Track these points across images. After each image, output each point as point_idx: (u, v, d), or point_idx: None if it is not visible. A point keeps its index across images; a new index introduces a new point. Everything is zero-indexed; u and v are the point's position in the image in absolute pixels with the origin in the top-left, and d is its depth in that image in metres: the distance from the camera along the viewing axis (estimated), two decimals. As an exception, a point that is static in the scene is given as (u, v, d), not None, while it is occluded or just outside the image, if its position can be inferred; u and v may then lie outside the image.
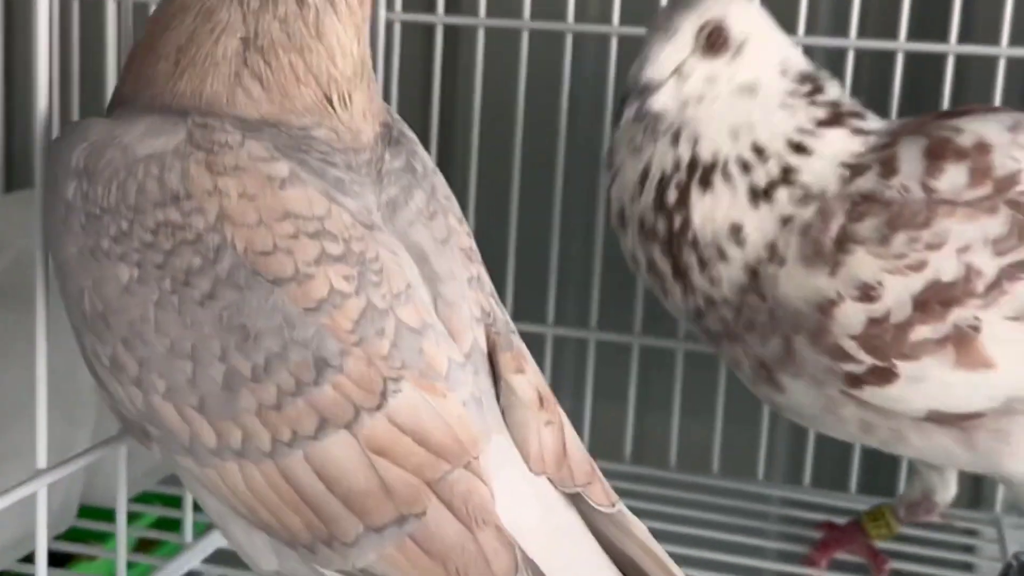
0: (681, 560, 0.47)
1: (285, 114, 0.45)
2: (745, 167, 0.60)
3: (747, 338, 0.62)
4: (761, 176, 0.60)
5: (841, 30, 0.79)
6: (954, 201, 0.58)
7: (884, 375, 0.58)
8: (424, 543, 0.42)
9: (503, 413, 0.46)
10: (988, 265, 0.57)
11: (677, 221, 0.61)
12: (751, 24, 0.61)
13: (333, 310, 0.42)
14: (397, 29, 0.82)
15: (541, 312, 0.84)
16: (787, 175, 0.60)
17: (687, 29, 0.60)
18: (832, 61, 0.82)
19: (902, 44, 0.77)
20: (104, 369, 0.44)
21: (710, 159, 0.60)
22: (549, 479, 0.46)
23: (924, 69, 0.82)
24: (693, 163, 0.61)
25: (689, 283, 0.62)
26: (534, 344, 0.73)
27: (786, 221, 0.60)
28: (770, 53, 0.62)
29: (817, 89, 0.62)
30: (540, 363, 0.80)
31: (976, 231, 0.57)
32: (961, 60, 0.78)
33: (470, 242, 0.49)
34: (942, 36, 0.77)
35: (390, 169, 0.47)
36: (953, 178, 0.58)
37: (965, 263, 0.57)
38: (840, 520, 0.75)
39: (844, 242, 0.58)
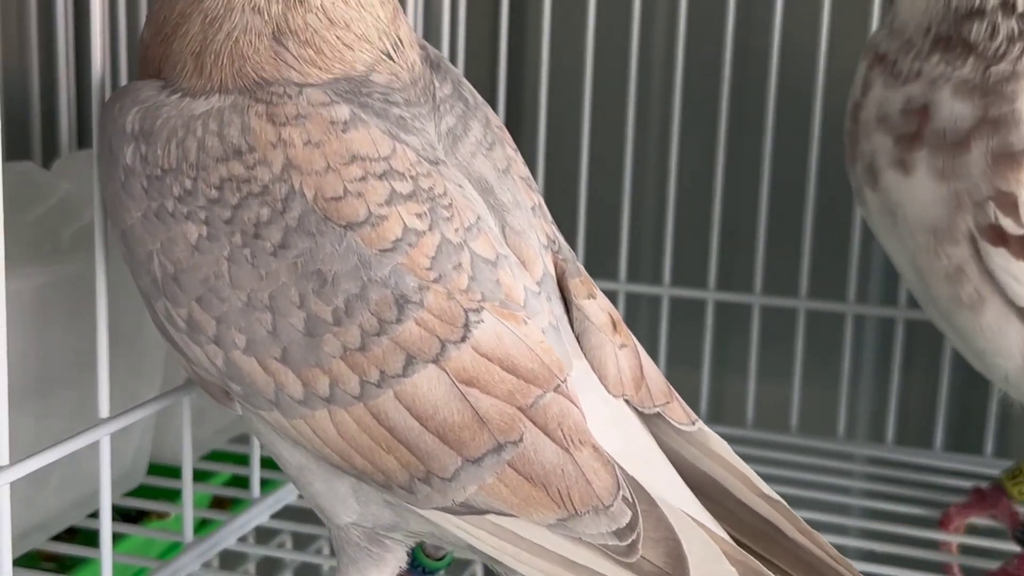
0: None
1: (345, 73, 0.44)
2: None
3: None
4: None
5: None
6: None
7: None
8: (524, 469, 0.41)
9: (578, 339, 0.45)
10: None
11: None
12: None
13: (409, 248, 0.41)
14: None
15: (614, 268, 0.83)
16: None
17: None
18: None
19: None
20: (179, 332, 0.43)
21: None
22: (628, 401, 0.45)
23: None
24: None
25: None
26: (606, 301, 0.72)
27: None
28: None
29: None
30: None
31: None
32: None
33: (527, 171, 0.49)
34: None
35: (443, 96, 0.47)
36: None
37: None
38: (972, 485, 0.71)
39: None
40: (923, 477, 0.75)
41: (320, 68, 0.44)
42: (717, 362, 0.84)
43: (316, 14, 0.43)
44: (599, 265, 0.82)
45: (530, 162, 0.83)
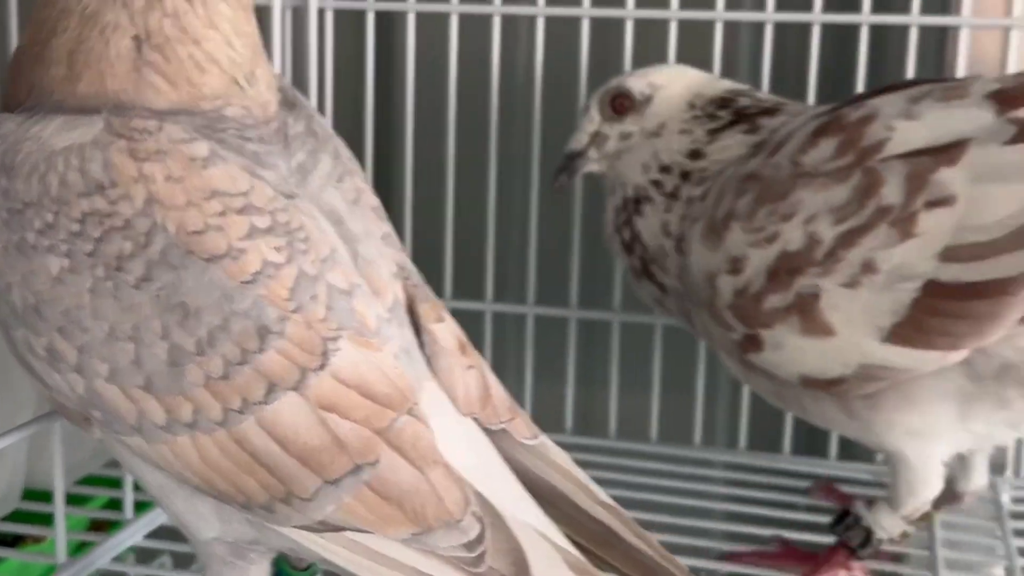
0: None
1: (195, 101, 0.46)
2: (657, 184, 0.68)
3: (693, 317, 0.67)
4: (669, 184, 0.68)
5: (762, 4, 0.81)
6: (813, 173, 0.59)
7: (755, 342, 0.61)
8: (380, 489, 0.44)
9: (428, 361, 0.48)
10: (827, 233, 0.58)
11: (638, 249, 0.69)
12: (657, 80, 0.70)
13: (268, 281, 0.43)
14: (329, 17, 0.83)
15: (480, 289, 0.86)
16: (686, 176, 0.67)
17: (594, 104, 0.72)
18: (755, 36, 0.84)
19: (817, 16, 0.79)
20: (39, 360, 0.44)
21: (633, 194, 0.69)
22: (476, 419, 0.48)
23: (842, 41, 0.84)
24: (626, 202, 0.70)
25: (657, 282, 0.69)
26: (473, 321, 0.74)
27: (689, 203, 0.66)
28: (678, 97, 0.70)
29: (725, 104, 0.68)
30: (480, 340, 0.82)
31: (823, 200, 0.58)
32: (876, 31, 0.81)
33: (377, 200, 0.51)
34: (857, 8, 0.79)
35: (295, 134, 0.48)
36: (822, 151, 0.60)
37: (809, 232, 0.58)
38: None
39: (727, 219, 0.62)
40: (774, 480, 0.79)
41: (169, 82, 0.45)
42: (581, 376, 0.87)
43: (171, 19, 0.45)
44: (467, 286, 0.85)
45: (399, 189, 0.86)
